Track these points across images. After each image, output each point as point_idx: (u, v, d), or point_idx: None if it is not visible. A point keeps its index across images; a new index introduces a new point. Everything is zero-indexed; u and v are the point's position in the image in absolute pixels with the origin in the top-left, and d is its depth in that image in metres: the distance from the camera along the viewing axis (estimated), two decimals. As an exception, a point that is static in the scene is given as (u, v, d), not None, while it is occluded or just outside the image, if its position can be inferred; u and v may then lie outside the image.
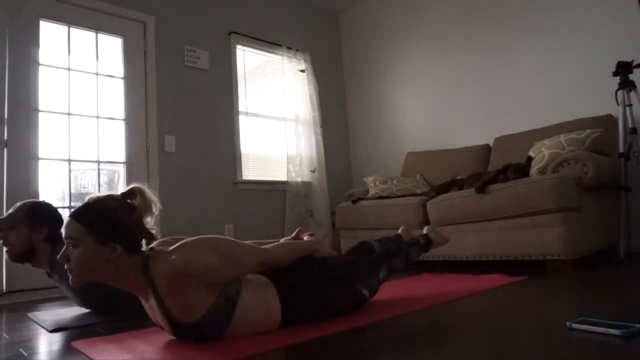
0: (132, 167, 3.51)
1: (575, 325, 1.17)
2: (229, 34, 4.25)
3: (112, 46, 3.59)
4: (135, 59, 3.64)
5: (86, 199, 1.29)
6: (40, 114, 3.15)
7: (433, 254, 2.97)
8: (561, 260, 2.43)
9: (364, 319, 1.50)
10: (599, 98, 3.18)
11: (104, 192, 1.33)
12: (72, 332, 1.71)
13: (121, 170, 3.50)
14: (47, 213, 2.07)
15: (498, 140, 3.58)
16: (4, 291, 2.86)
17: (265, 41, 4.49)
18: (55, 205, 3.21)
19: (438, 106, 4.29)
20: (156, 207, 1.34)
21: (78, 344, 1.45)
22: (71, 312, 2.17)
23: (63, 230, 1.27)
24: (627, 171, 2.73)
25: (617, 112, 2.82)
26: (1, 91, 3.00)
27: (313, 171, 4.49)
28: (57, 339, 1.61)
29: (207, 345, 1.27)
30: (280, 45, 4.55)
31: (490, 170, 3.43)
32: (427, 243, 2.02)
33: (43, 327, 1.85)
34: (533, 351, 1.01)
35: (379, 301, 1.82)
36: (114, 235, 1.25)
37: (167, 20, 3.86)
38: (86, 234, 1.23)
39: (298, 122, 4.51)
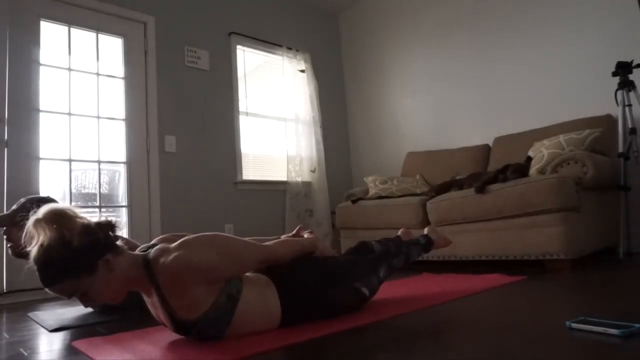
0: (133, 167, 3.51)
1: (575, 325, 1.17)
2: (229, 34, 4.25)
3: (112, 46, 3.59)
4: (135, 59, 3.65)
5: (31, 261, 1.14)
6: (40, 114, 3.15)
7: (433, 254, 2.97)
8: (561, 260, 2.43)
9: (364, 318, 1.50)
10: (598, 98, 3.18)
11: (29, 241, 1.14)
12: (73, 332, 1.71)
13: (122, 170, 3.51)
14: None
15: (498, 140, 3.58)
16: (4, 291, 2.87)
17: (265, 41, 4.49)
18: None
19: (438, 106, 4.29)
20: (70, 210, 1.22)
21: (78, 344, 1.45)
22: (71, 312, 2.17)
23: (60, 295, 1.19)
24: (626, 171, 2.73)
25: (617, 112, 2.83)
26: (2, 91, 3.00)
27: (313, 171, 4.49)
28: (57, 338, 1.61)
29: (207, 345, 1.27)
30: (280, 46, 4.56)
31: (490, 170, 3.43)
32: (427, 243, 2.02)
33: (43, 327, 1.86)
34: (533, 351, 1.01)
35: (379, 301, 1.82)
36: (91, 258, 1.18)
37: (168, 20, 3.86)
38: (75, 280, 1.15)
39: (298, 122, 4.51)
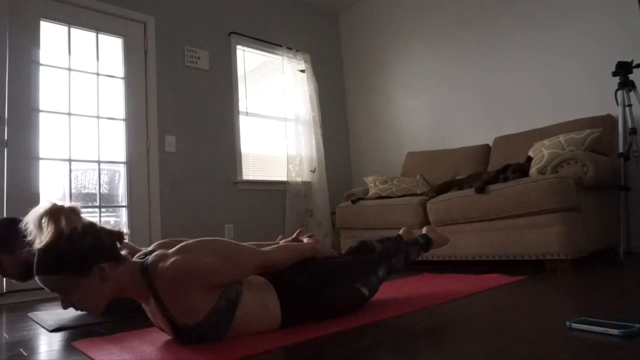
0: (133, 167, 3.51)
1: (575, 325, 1.17)
2: (229, 34, 4.25)
3: (112, 46, 3.59)
4: (135, 59, 3.65)
5: (35, 249, 1.15)
6: (40, 114, 3.15)
7: (433, 254, 2.97)
8: (561, 260, 2.43)
9: (364, 318, 1.50)
10: (598, 98, 3.18)
11: (35, 230, 1.14)
12: (72, 332, 1.71)
13: (122, 170, 3.51)
14: (7, 228, 1.90)
15: (498, 140, 3.58)
16: (4, 291, 2.87)
17: (265, 41, 4.49)
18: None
19: (438, 106, 4.29)
20: (78, 209, 1.23)
21: (78, 344, 1.45)
22: (71, 312, 2.17)
23: (44, 287, 1.17)
24: (626, 171, 2.73)
25: (617, 112, 2.83)
26: (1, 91, 3.00)
27: (313, 171, 4.49)
28: (57, 339, 1.61)
29: (207, 345, 1.27)
30: (280, 46, 4.56)
31: (490, 170, 3.43)
32: (426, 243, 2.01)
33: (43, 327, 1.86)
34: (533, 351, 1.01)
35: (379, 301, 1.82)
36: (89, 260, 1.17)
37: (168, 20, 3.86)
38: (66, 278, 1.14)
39: (298, 122, 4.51)
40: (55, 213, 1.13)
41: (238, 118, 4.20)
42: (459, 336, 1.21)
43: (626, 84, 2.76)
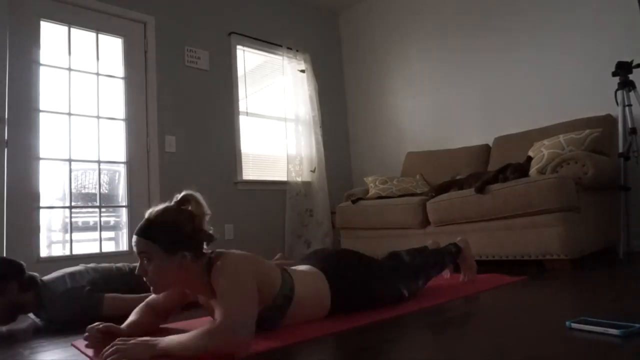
0: (133, 167, 3.51)
1: (575, 325, 1.17)
2: (229, 34, 4.25)
3: (112, 46, 3.59)
4: (135, 59, 3.65)
5: (146, 215, 1.33)
6: (40, 114, 3.15)
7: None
8: (561, 260, 2.43)
9: (365, 318, 1.50)
10: (598, 98, 3.18)
11: (160, 204, 1.36)
12: (72, 332, 1.71)
13: (122, 170, 3.51)
14: (4, 267, 1.86)
15: (498, 140, 3.58)
16: (5, 291, 2.86)
17: (265, 41, 4.49)
18: (56, 205, 3.25)
19: (438, 106, 4.29)
20: (208, 211, 1.41)
21: (78, 344, 1.45)
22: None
23: (134, 247, 1.30)
24: (626, 171, 2.73)
25: (617, 112, 2.83)
26: (1, 91, 3.00)
27: (313, 171, 4.49)
28: (57, 338, 1.61)
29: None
30: (280, 46, 4.55)
31: (490, 170, 3.43)
32: (457, 251, 2.16)
33: (43, 327, 1.85)
34: (533, 351, 1.01)
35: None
36: (180, 244, 1.30)
37: (168, 20, 3.86)
38: (156, 247, 1.27)
39: (298, 122, 4.51)
40: (187, 196, 1.37)
41: (238, 118, 4.20)
42: (458, 336, 1.21)
43: (626, 84, 2.76)
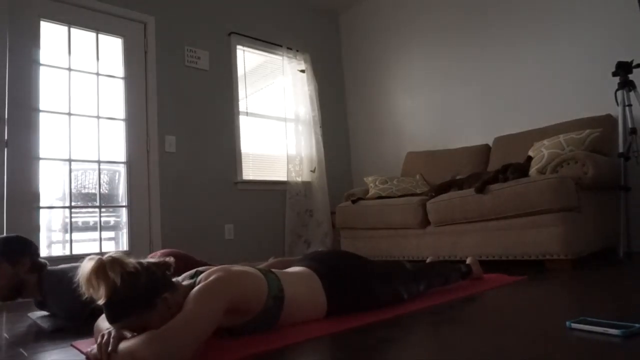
0: (133, 167, 3.51)
1: (575, 325, 1.17)
2: (229, 34, 4.25)
3: (112, 46, 3.59)
4: (135, 59, 3.65)
5: (100, 301, 1.16)
6: (40, 114, 3.15)
7: (434, 254, 2.97)
8: (561, 260, 2.43)
9: (364, 318, 1.50)
10: (598, 98, 3.18)
11: (89, 290, 1.15)
12: (72, 332, 1.71)
13: (122, 170, 3.51)
14: (21, 244, 1.95)
15: (498, 140, 3.58)
16: (5, 291, 2.86)
17: (265, 41, 4.49)
18: (56, 205, 3.25)
19: (438, 106, 4.29)
20: (121, 257, 1.23)
21: (78, 344, 1.45)
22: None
23: (123, 331, 1.19)
24: (626, 171, 2.73)
25: (617, 112, 2.83)
26: (1, 91, 3.00)
27: (313, 171, 4.49)
28: (57, 338, 1.61)
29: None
30: (280, 46, 4.56)
31: (490, 170, 3.43)
32: (467, 272, 2.17)
33: (43, 327, 1.86)
34: (533, 351, 1.01)
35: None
36: (151, 296, 1.21)
37: (168, 20, 3.86)
38: (138, 318, 1.18)
39: (298, 122, 4.51)
40: (100, 270, 1.14)
41: (238, 118, 4.20)
42: (458, 336, 1.21)
43: (626, 84, 2.76)
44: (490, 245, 2.71)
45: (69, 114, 3.29)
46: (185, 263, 1.93)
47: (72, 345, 1.47)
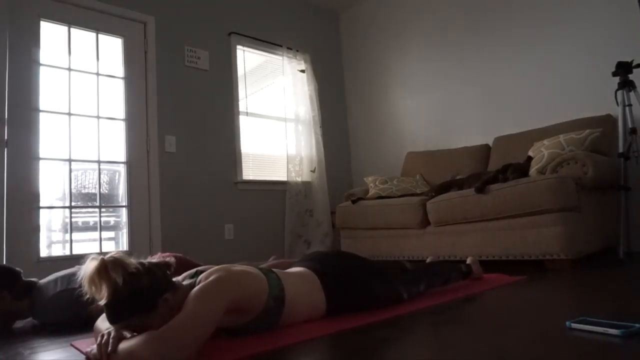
0: (133, 167, 3.51)
1: (575, 325, 1.17)
2: (229, 34, 4.25)
3: (112, 46, 3.59)
4: (135, 59, 3.65)
5: (102, 302, 1.16)
6: (40, 114, 3.15)
7: (434, 254, 2.97)
8: (561, 260, 2.43)
9: (364, 318, 1.50)
10: (598, 98, 3.18)
11: (92, 291, 1.14)
12: (72, 331, 1.71)
13: (122, 170, 3.51)
14: None
15: (498, 140, 3.58)
16: (4, 291, 2.86)
17: (265, 41, 4.49)
18: (56, 205, 3.25)
19: (438, 106, 4.29)
20: (122, 257, 1.22)
21: (78, 344, 1.45)
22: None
23: (124, 331, 1.18)
24: (626, 171, 2.73)
25: (617, 112, 2.83)
26: (1, 91, 3.00)
27: (313, 171, 4.49)
28: (57, 338, 1.61)
29: (209, 344, 1.28)
30: (280, 46, 4.55)
31: (490, 170, 3.43)
32: (467, 272, 2.16)
33: (43, 327, 1.85)
34: (533, 351, 1.01)
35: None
36: (152, 296, 1.20)
37: (168, 20, 3.86)
38: (139, 318, 1.17)
39: (298, 122, 4.51)
40: (102, 270, 1.14)
41: (238, 118, 4.20)
42: (458, 336, 1.21)
43: (626, 84, 2.76)
44: (490, 245, 2.71)
45: (69, 114, 3.29)
46: (185, 268, 1.92)
47: (71, 345, 1.47)
